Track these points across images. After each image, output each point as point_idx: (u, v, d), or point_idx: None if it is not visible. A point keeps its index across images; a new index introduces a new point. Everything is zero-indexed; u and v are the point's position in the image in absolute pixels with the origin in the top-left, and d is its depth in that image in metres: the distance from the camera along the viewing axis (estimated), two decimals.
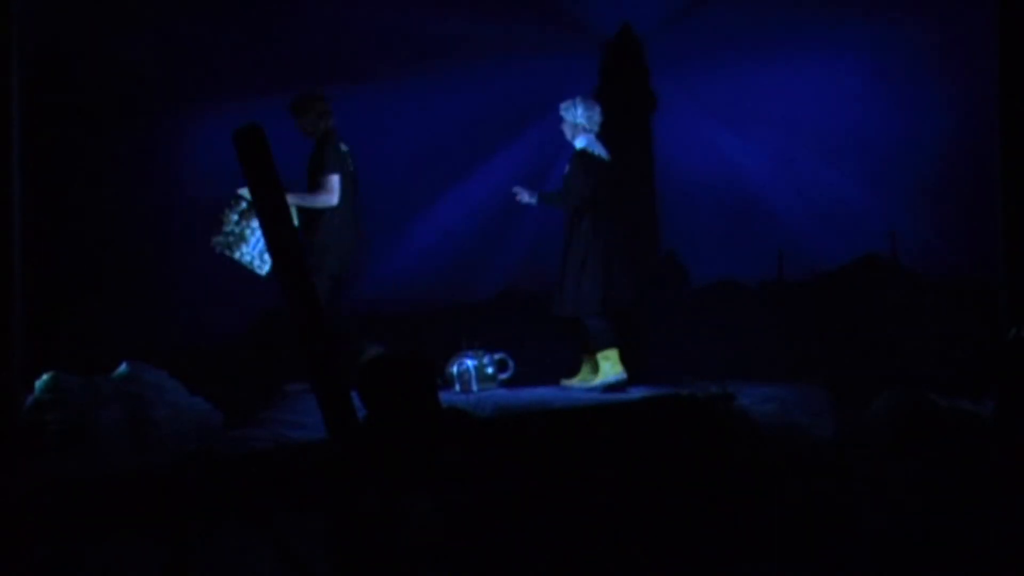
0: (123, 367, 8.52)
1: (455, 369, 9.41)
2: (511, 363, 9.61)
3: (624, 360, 9.26)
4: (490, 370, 9.47)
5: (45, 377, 8.32)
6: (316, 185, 8.72)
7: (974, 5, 9.13)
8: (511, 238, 10.47)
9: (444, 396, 6.11)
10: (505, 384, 9.54)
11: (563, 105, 9.24)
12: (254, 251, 8.51)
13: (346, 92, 10.27)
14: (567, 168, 9.24)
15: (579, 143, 9.23)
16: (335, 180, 8.68)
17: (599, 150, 9.29)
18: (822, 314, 9.85)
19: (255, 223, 8.47)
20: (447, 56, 10.36)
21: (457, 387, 9.39)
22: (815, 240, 10.11)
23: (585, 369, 9.35)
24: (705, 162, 10.28)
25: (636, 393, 8.51)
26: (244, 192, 8.49)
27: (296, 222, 8.27)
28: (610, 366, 9.17)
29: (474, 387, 9.34)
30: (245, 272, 8.99)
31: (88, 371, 8.52)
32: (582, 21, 10.36)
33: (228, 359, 9.72)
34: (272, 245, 5.39)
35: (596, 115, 9.26)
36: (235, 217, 8.57)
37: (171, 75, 10.18)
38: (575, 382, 9.31)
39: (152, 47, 10.08)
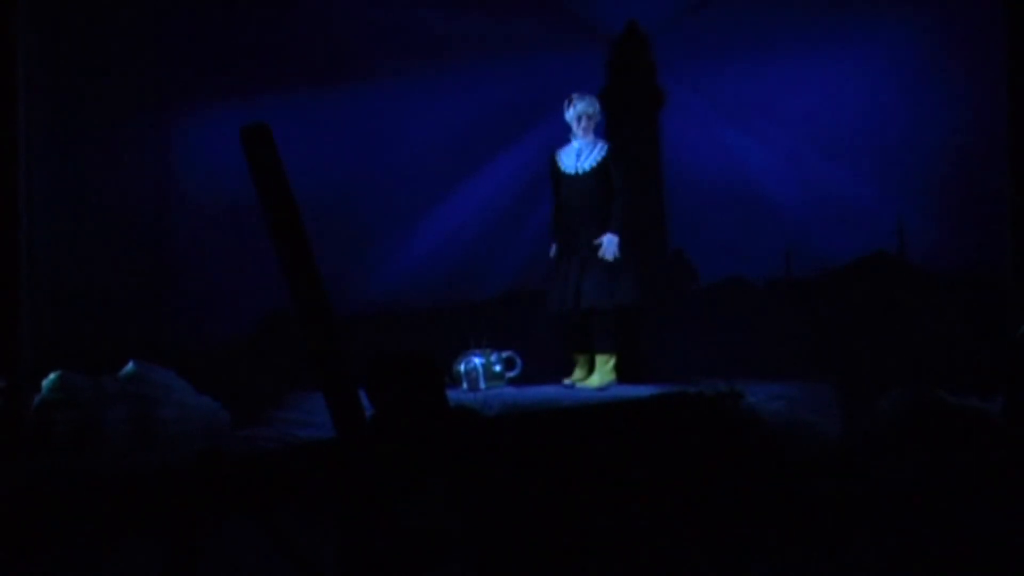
0: (130, 366, 8.53)
1: (462, 367, 9.41)
2: (519, 361, 9.60)
3: (629, 359, 9.32)
4: (497, 368, 9.47)
5: (52, 376, 8.33)
6: None
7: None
8: (518, 236, 10.44)
9: (451, 394, 6.11)
10: (513, 382, 9.53)
11: (588, 99, 9.27)
12: None
13: (351, 91, 10.28)
14: (609, 167, 9.31)
15: (603, 140, 9.34)
16: None
17: None
18: (831, 311, 9.83)
19: None
20: (451, 54, 10.35)
21: (464, 385, 9.38)
22: (823, 237, 10.08)
23: (597, 365, 9.38)
24: (713, 159, 10.25)
25: (644, 391, 8.50)
26: None
27: None
28: (608, 370, 9.23)
29: (481, 385, 9.34)
30: (253, 272, 9.01)
31: (95, 370, 8.52)
32: (587, 18, 10.34)
33: (236, 359, 9.73)
34: (279, 245, 5.38)
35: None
36: None
37: (172, 72, 10.16)
38: (591, 381, 9.30)
39: (153, 42, 10.06)
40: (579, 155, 9.33)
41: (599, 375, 9.20)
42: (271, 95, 9.87)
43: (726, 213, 10.19)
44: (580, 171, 9.31)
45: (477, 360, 9.42)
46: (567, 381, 9.35)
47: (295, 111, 9.93)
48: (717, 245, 10.19)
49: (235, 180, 8.11)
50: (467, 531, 4.73)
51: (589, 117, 9.27)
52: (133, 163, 10.13)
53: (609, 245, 9.22)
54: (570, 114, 9.26)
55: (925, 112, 9.92)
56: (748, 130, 10.31)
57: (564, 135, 9.42)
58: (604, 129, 9.61)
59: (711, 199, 10.19)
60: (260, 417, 8.59)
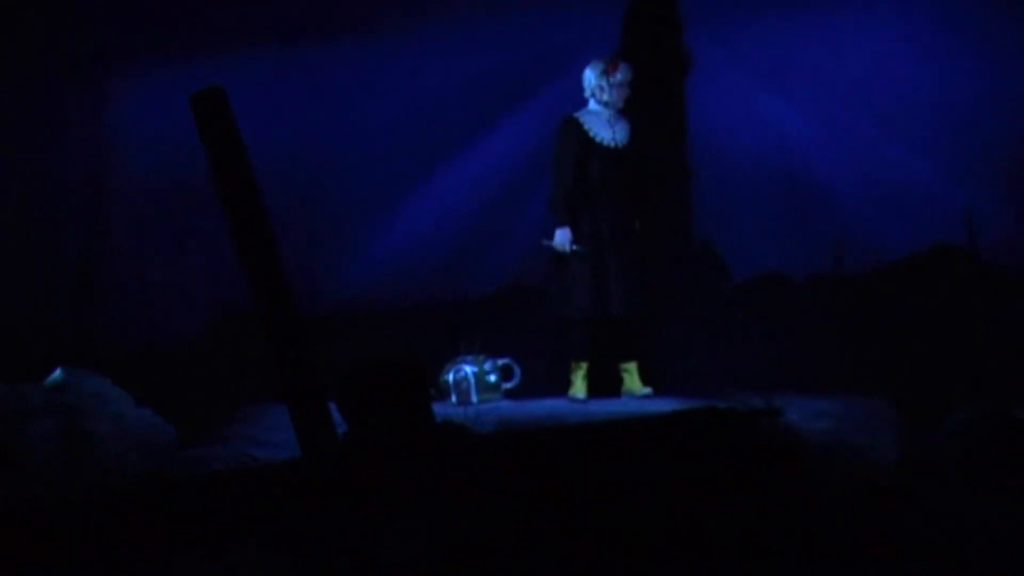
0: (57, 373, 8.54)
1: (451, 377, 9.46)
2: (517, 370, 9.65)
3: (648, 368, 9.42)
4: (492, 378, 9.52)
5: None
6: None
7: None
8: (519, 222, 10.43)
9: (438, 408, 6.13)
10: (510, 395, 9.57)
11: (629, 67, 9.41)
12: None
13: (322, 51, 10.29)
14: (640, 141, 9.48)
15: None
16: None
17: None
18: (886, 314, 9.84)
19: None
20: (438, 9, 10.36)
21: (454, 398, 9.44)
22: (878, 226, 10.09)
23: (628, 376, 9.53)
24: (748, 134, 10.24)
25: (665, 406, 8.52)
26: None
27: None
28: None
29: (474, 398, 9.39)
30: (204, 263, 9.02)
31: (15, 378, 8.54)
32: None
33: (183, 365, 9.74)
34: (236, 232, 5.41)
35: None
36: None
37: (109, 29, 10.15)
38: (642, 389, 9.45)
39: None
40: (612, 125, 9.45)
41: (639, 381, 9.46)
42: (227, 55, 9.87)
43: (763, 197, 10.20)
44: (619, 144, 9.49)
45: (468, 368, 9.47)
46: (578, 395, 9.44)
47: (255, 74, 9.94)
48: (752, 235, 10.20)
49: (184, 155, 8.15)
50: (455, 567, 4.76)
51: (631, 87, 9.47)
52: (62, 137, 10.15)
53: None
54: (613, 80, 9.41)
55: (1001, 80, 9.92)
56: (790, 99, 10.31)
57: (572, 104, 9.48)
58: None
59: (745, 181, 10.20)
60: (211, 434, 8.61)
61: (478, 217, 10.63)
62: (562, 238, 9.38)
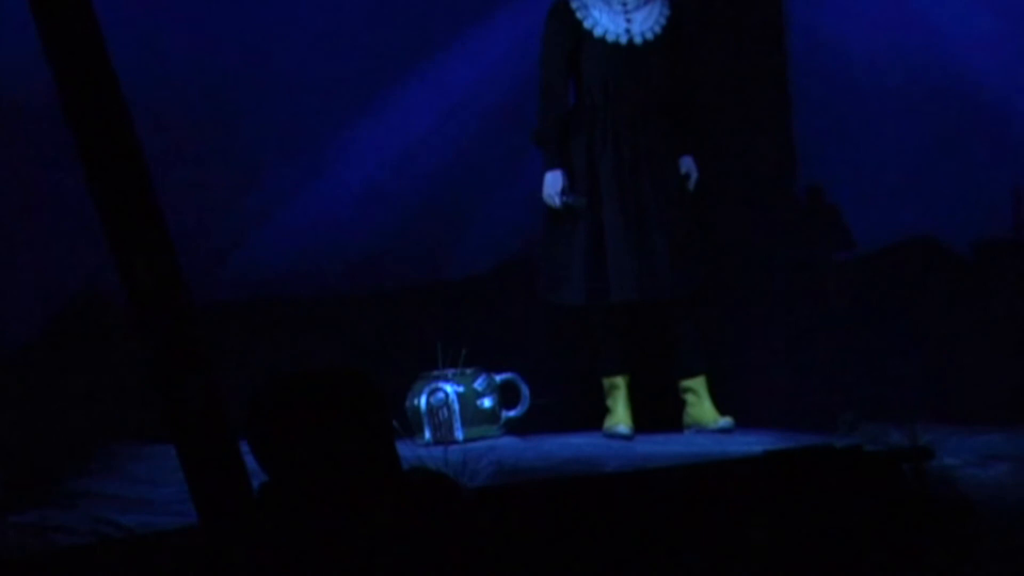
0: None
1: (424, 401, 9.46)
2: (525, 390, 9.66)
3: (723, 385, 9.47)
4: (486, 403, 9.56)
5: None
6: None
7: None
8: (517, 169, 10.44)
9: (405, 449, 6.06)
10: (514, 428, 9.58)
11: None
12: None
13: None
14: (684, 39, 9.63)
15: None
16: None
17: None
18: None
19: None
20: None
21: (428, 433, 9.50)
22: None
23: (694, 399, 9.60)
24: (884, 32, 10.28)
25: (753, 444, 8.60)
26: None
27: None
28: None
29: (459, 434, 9.44)
30: (40, 234, 9.01)
31: None
32: None
33: (7, 388, 9.69)
34: (95, 177, 5.36)
35: None
36: None
37: None
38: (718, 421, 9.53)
39: None
40: (627, 13, 9.43)
41: (712, 407, 9.49)
42: None
43: (906, 128, 10.22)
44: (638, 41, 9.47)
45: (450, 388, 9.50)
46: (620, 428, 9.39)
47: None
48: (888, 184, 10.20)
49: (17, 69, 8.12)
50: None
51: None
52: None
53: (695, 175, 9.53)
54: None
55: None
56: None
57: None
58: None
59: (878, 104, 10.21)
60: (51, 491, 8.64)
61: (456, 164, 10.72)
62: (552, 185, 9.41)
